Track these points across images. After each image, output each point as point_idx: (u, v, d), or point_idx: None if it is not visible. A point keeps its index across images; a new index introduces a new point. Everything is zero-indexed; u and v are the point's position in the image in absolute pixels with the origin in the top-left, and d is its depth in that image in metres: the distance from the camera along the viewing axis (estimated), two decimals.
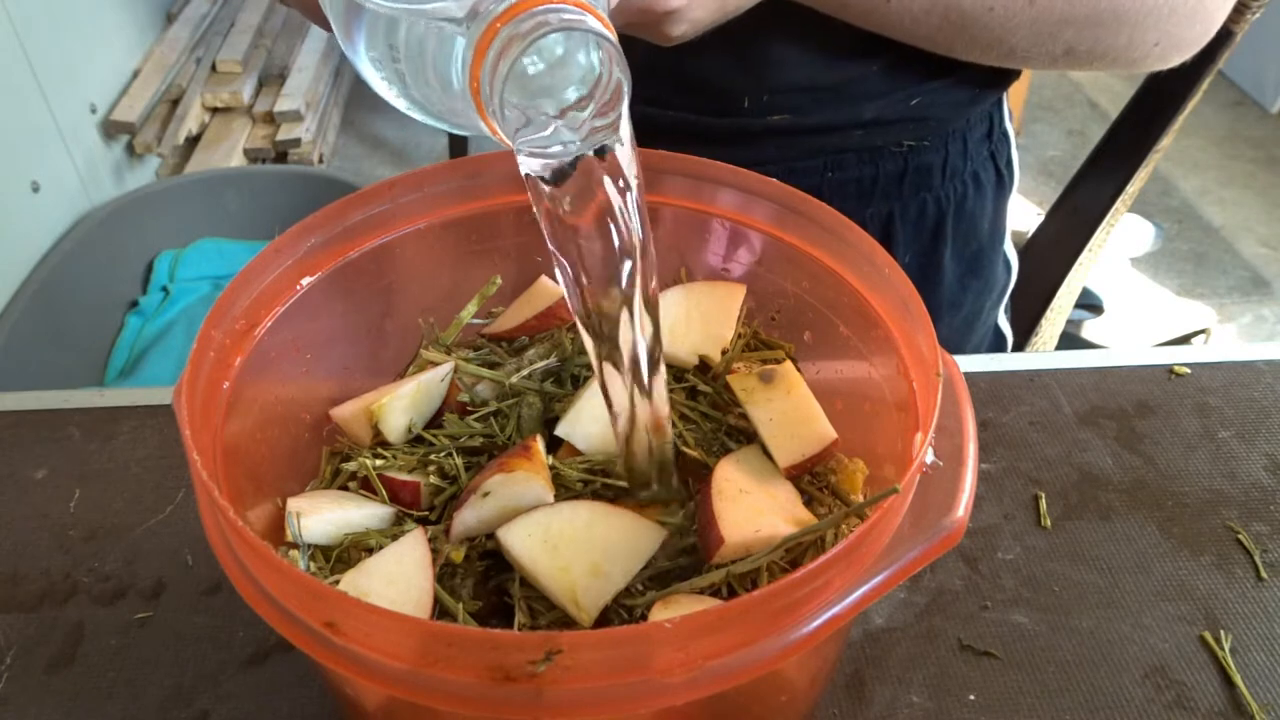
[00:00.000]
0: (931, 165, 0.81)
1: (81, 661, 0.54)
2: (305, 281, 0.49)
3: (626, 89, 0.36)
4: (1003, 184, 0.87)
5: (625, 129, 0.38)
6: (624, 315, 0.41)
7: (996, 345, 0.97)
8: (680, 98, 0.76)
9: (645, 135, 0.76)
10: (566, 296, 0.42)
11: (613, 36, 0.34)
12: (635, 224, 0.40)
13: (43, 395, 0.70)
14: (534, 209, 0.39)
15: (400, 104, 0.39)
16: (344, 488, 0.52)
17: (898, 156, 0.80)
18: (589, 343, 0.43)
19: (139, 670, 0.54)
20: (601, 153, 0.38)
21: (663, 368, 0.44)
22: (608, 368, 0.43)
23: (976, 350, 0.95)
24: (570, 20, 0.33)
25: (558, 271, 0.41)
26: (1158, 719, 0.51)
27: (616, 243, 0.40)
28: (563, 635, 0.33)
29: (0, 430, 0.68)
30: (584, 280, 0.40)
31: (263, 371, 0.48)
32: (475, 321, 0.58)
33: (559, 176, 0.38)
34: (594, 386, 0.53)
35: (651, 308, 0.42)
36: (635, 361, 0.43)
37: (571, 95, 0.36)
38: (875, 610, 0.56)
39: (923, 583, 0.58)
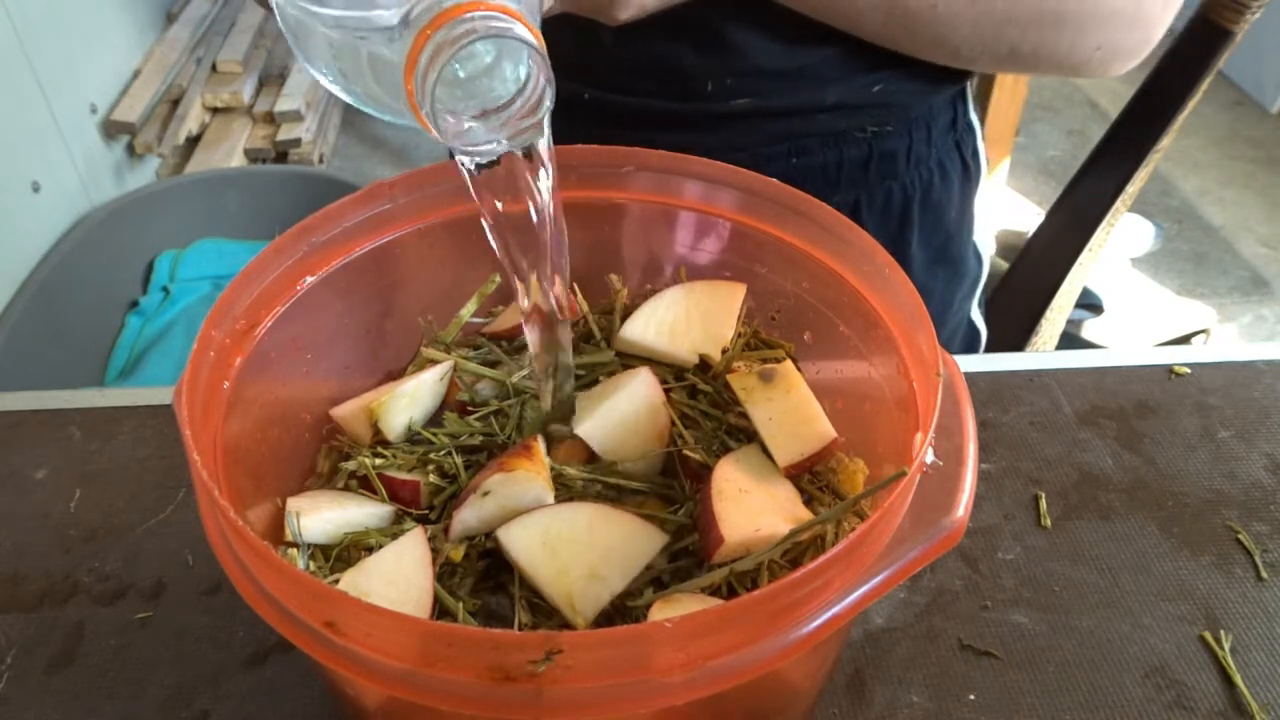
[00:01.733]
0: (896, 152, 0.81)
1: (81, 661, 0.54)
2: (305, 281, 0.49)
3: (550, 94, 0.39)
4: (969, 174, 0.88)
5: (545, 129, 0.42)
6: (540, 275, 0.47)
7: (970, 339, 0.97)
8: (644, 83, 0.76)
9: (610, 122, 0.78)
10: (498, 256, 0.46)
11: (538, 44, 0.37)
12: (548, 205, 0.44)
13: (43, 395, 0.70)
14: (472, 193, 0.44)
15: (348, 99, 0.41)
16: (344, 486, 0.52)
17: (862, 142, 0.80)
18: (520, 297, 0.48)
19: (139, 670, 0.54)
20: (527, 152, 0.42)
21: (568, 321, 0.49)
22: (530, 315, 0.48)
23: (950, 343, 0.95)
24: (498, 28, 0.35)
25: (490, 238, 0.45)
26: (1158, 719, 0.51)
27: (535, 219, 0.44)
28: (563, 635, 0.33)
29: (0, 430, 0.68)
30: (511, 246, 0.46)
31: (263, 371, 0.48)
32: (475, 320, 0.58)
33: (488, 165, 0.42)
34: (599, 389, 0.53)
35: (560, 270, 0.47)
36: (547, 306, 0.48)
37: (499, 98, 0.39)
38: (875, 610, 0.56)
39: (923, 583, 0.58)
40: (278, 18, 0.39)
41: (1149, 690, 0.53)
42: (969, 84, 0.85)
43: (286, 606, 0.35)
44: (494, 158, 0.41)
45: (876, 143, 0.80)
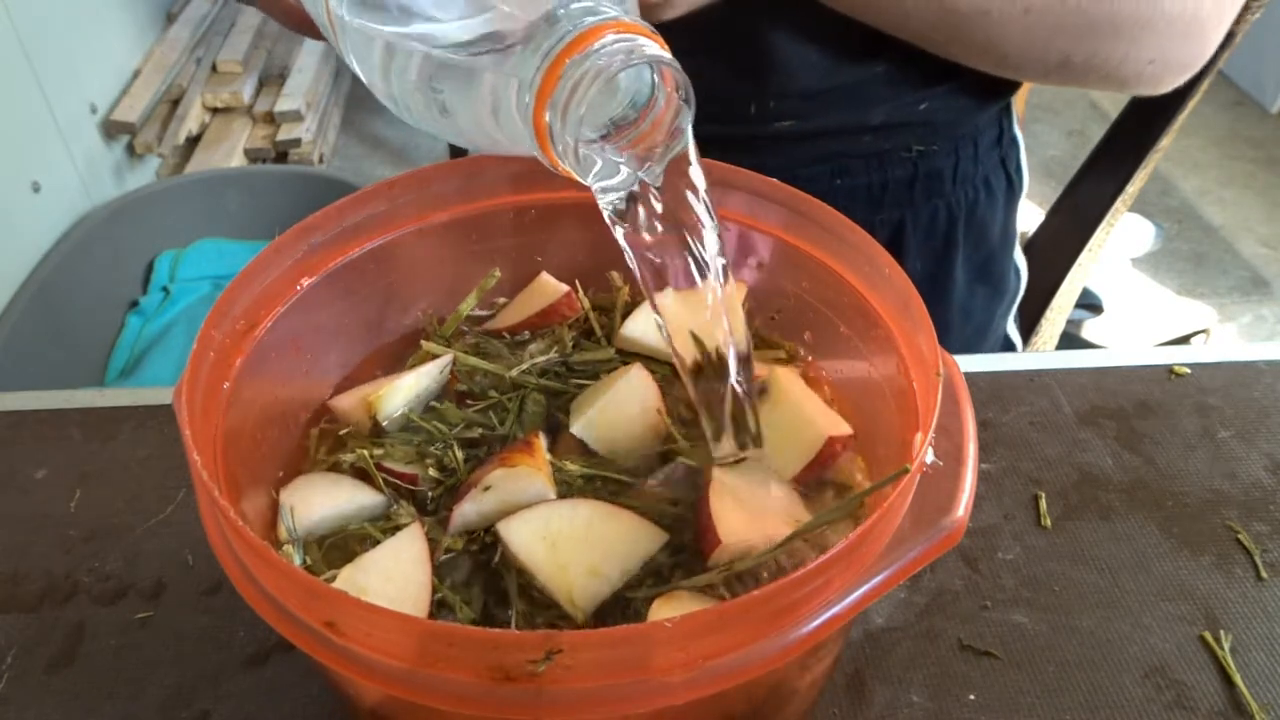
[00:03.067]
0: (942, 171, 0.80)
1: (81, 661, 0.54)
2: (305, 282, 0.49)
3: (688, 112, 0.36)
4: (1013, 189, 0.87)
5: (689, 149, 0.38)
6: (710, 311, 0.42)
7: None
8: None
9: None
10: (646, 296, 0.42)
11: (671, 57, 0.34)
12: (710, 236, 0.40)
13: (43, 395, 0.70)
14: (613, 232, 0.40)
15: (437, 130, 0.38)
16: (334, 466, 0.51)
17: (907, 162, 0.79)
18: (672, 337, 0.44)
19: (139, 670, 0.54)
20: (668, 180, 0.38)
21: (751, 360, 0.44)
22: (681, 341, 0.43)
23: None
24: (640, 52, 0.32)
25: (637, 274, 0.41)
26: (1158, 719, 0.51)
27: (695, 257, 0.41)
28: (563, 635, 0.33)
29: (0, 430, 0.68)
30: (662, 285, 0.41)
31: (263, 371, 0.48)
32: (476, 315, 0.58)
33: (628, 203, 0.38)
34: (593, 387, 0.53)
35: (733, 313, 0.43)
36: (720, 355, 0.43)
37: (624, 118, 0.36)
38: (875, 610, 0.56)
39: (923, 583, 0.58)
40: (356, 61, 0.35)
41: (1149, 690, 0.53)
42: (1014, 98, 0.83)
43: (286, 606, 0.35)
44: (631, 189, 0.37)
45: (922, 162, 0.79)
